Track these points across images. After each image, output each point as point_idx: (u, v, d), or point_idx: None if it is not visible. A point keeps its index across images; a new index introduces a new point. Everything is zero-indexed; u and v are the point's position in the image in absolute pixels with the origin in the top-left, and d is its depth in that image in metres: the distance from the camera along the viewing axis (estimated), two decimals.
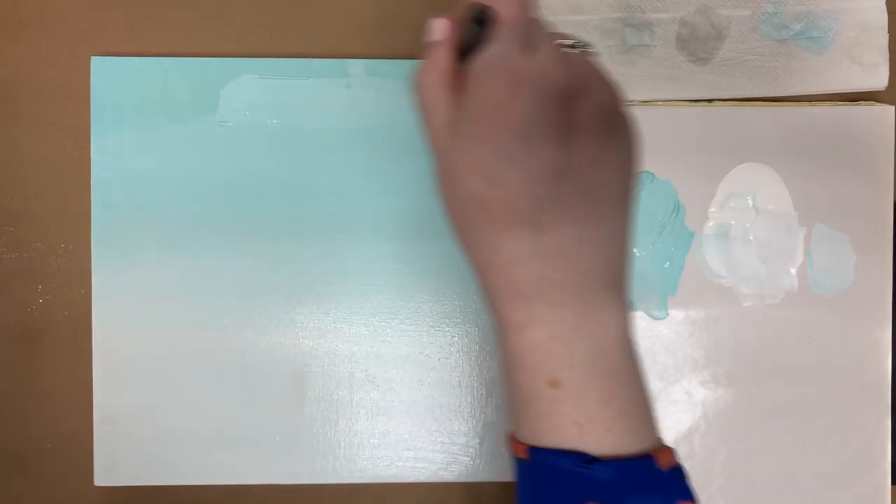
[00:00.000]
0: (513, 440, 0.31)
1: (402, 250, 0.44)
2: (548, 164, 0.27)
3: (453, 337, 0.44)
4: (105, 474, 0.44)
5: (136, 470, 0.44)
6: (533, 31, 0.28)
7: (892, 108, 0.45)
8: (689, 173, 0.45)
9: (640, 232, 0.45)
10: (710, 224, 0.46)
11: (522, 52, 0.28)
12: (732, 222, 0.46)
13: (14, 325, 0.45)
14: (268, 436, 0.44)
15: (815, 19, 0.45)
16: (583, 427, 0.29)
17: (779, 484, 0.45)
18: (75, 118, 0.44)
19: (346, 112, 0.44)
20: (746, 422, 0.45)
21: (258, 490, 0.45)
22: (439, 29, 0.30)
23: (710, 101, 0.46)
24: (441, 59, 0.30)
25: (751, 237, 0.46)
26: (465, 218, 0.29)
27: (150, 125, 0.44)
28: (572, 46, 0.30)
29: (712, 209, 0.46)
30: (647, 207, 0.45)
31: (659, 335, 0.45)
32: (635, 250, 0.45)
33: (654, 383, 0.45)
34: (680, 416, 0.45)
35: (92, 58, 0.44)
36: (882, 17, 0.45)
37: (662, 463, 0.29)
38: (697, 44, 0.45)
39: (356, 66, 0.44)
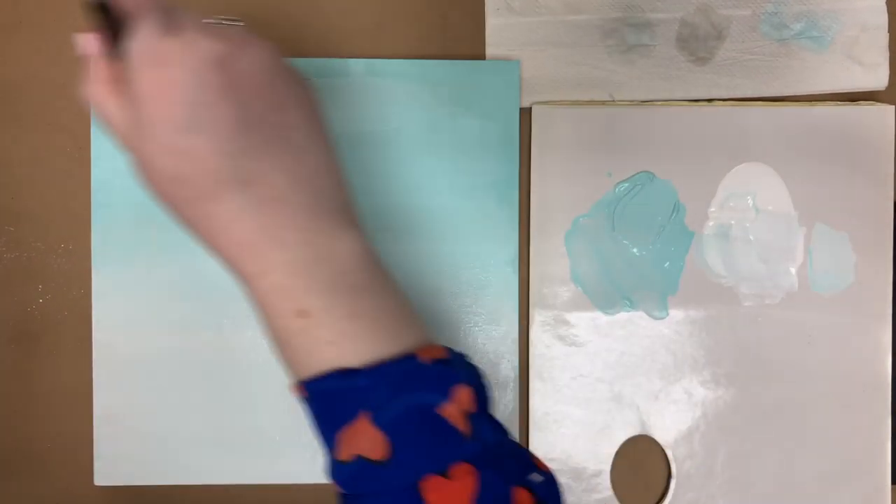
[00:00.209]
0: (292, 387, 0.32)
1: (402, 249, 0.44)
2: (223, 123, 0.29)
3: (453, 336, 0.44)
4: (105, 474, 0.44)
5: (136, 470, 0.44)
6: (173, 16, 0.30)
7: (892, 107, 0.45)
8: (689, 173, 0.45)
9: (640, 232, 0.45)
10: (710, 224, 0.46)
11: (167, 34, 0.29)
12: (732, 222, 0.46)
13: (14, 325, 0.45)
14: (268, 436, 0.44)
15: (815, 19, 0.45)
16: (338, 344, 0.30)
17: (779, 484, 0.45)
18: (75, 118, 0.44)
19: (346, 112, 0.44)
20: (746, 422, 0.45)
21: (258, 490, 0.45)
22: (86, 44, 0.31)
23: (710, 101, 0.46)
24: (98, 69, 0.31)
25: (751, 237, 0.46)
26: (176, 199, 0.31)
27: None
28: (219, 23, 0.33)
29: (712, 209, 0.46)
30: (647, 207, 0.45)
31: (659, 335, 0.45)
32: (635, 250, 0.45)
33: (655, 383, 0.45)
34: (680, 416, 0.45)
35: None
36: (882, 17, 0.45)
37: (426, 358, 0.30)
38: (697, 44, 0.45)
39: (356, 66, 0.44)
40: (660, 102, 0.45)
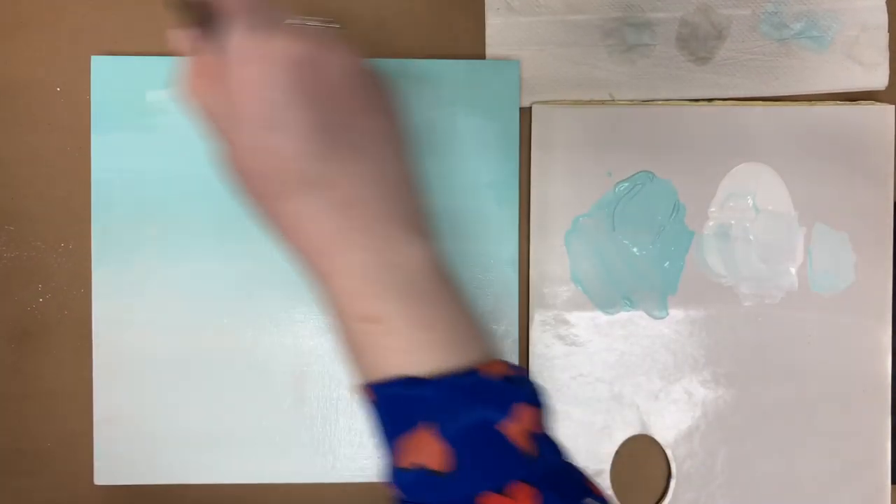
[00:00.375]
0: (359, 388, 0.32)
1: None
2: (305, 125, 0.30)
3: None
4: (105, 474, 0.44)
5: (135, 469, 0.44)
6: (268, 15, 0.31)
7: (892, 107, 0.45)
8: (689, 173, 0.45)
9: (640, 231, 0.45)
10: (710, 224, 0.46)
11: (262, 33, 0.30)
12: (732, 222, 0.46)
13: (14, 324, 0.45)
14: (268, 436, 0.44)
15: (815, 19, 0.45)
16: (408, 353, 0.30)
17: (779, 484, 0.45)
18: (75, 118, 0.44)
19: None
20: (746, 422, 0.45)
21: (258, 490, 0.45)
22: (185, 40, 0.32)
23: (710, 100, 0.46)
24: (198, 64, 0.32)
25: (751, 237, 0.46)
26: (259, 194, 0.32)
27: (150, 125, 0.44)
28: (314, 24, 0.33)
29: (712, 209, 0.46)
30: (647, 207, 0.45)
31: (659, 335, 0.45)
32: (635, 250, 0.45)
33: (655, 383, 0.45)
34: (680, 416, 0.45)
35: (92, 58, 0.44)
36: (882, 17, 0.45)
37: (490, 374, 0.30)
38: (697, 43, 0.45)
39: None
40: (660, 102, 0.45)
